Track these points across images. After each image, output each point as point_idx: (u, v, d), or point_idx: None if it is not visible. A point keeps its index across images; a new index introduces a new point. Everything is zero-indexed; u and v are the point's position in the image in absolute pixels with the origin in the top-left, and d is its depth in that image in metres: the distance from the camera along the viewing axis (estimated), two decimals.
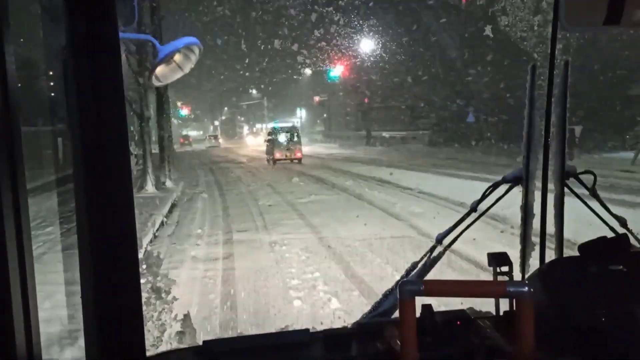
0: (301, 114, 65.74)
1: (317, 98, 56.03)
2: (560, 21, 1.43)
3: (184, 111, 73.64)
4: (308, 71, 53.74)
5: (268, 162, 26.18)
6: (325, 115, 54.57)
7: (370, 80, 37.88)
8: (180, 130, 77.11)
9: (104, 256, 0.97)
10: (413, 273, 1.59)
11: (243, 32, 43.84)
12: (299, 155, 26.11)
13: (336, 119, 52.04)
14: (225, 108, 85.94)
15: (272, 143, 26.61)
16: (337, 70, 38.00)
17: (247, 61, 53.10)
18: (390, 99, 38.26)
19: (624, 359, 1.06)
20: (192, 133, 74.48)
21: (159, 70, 1.69)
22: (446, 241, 1.66)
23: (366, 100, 41.32)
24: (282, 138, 26.65)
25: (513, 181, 1.63)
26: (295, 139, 26.83)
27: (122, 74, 0.96)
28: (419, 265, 1.60)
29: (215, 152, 42.26)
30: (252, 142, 54.84)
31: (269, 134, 28.16)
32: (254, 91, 73.17)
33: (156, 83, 1.71)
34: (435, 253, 1.61)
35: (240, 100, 77.40)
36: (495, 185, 1.66)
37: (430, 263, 1.60)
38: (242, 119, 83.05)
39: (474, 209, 1.67)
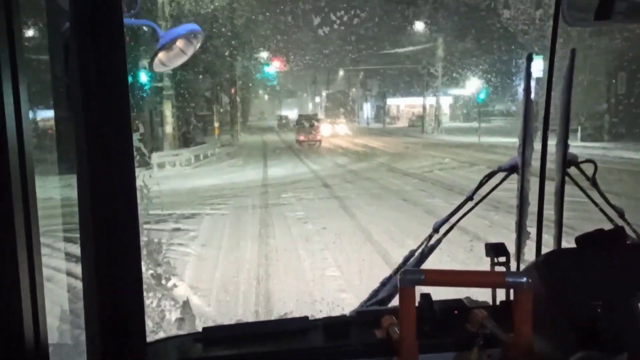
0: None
1: None
2: (563, 14, 1.42)
3: (273, 67, 38.33)
4: None
5: (298, 144, 29.92)
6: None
7: None
8: (276, 111, 58.47)
9: (106, 244, 0.98)
10: (410, 261, 1.60)
11: None
12: (318, 138, 30.11)
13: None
14: (341, 71, 50.81)
15: (298, 128, 31.56)
16: None
17: None
18: None
19: (620, 349, 1.08)
20: (286, 113, 51.16)
21: (162, 55, 1.71)
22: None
23: None
24: (306, 124, 31.00)
25: (509, 170, 1.64)
26: (316, 124, 31.05)
27: (125, 58, 0.96)
28: (417, 253, 1.62)
29: None
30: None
31: (297, 121, 32.85)
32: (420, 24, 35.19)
33: (161, 68, 1.72)
34: (432, 241, 1.62)
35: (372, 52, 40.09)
36: (491, 175, 1.67)
37: (428, 251, 1.61)
38: (371, 91, 48.99)
39: (470, 197, 1.68)
